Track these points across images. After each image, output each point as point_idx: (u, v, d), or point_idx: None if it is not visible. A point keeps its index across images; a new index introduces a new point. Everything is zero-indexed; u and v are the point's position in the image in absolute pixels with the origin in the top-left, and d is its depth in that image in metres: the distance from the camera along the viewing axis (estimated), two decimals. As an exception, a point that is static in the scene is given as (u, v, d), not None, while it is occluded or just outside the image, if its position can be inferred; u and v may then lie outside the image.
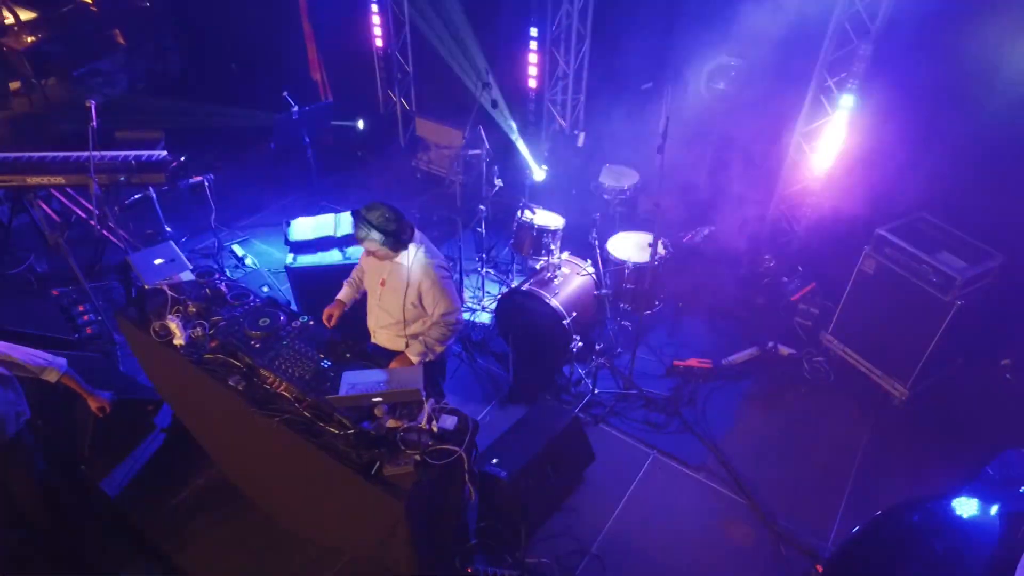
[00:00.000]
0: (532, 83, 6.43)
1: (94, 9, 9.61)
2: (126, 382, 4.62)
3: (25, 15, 9.12)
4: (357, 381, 2.85)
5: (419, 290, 3.23)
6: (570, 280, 4.73)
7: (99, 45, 9.20)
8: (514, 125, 6.00)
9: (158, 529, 3.88)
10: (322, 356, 3.28)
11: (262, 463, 3.52)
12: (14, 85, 9.06)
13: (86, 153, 4.89)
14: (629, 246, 4.89)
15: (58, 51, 8.89)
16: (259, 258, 6.08)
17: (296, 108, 5.83)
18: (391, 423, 2.97)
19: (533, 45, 6.11)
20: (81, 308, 5.34)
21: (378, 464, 2.83)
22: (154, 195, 5.88)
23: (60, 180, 4.85)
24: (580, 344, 4.55)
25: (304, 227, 4.84)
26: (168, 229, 6.24)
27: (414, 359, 3.24)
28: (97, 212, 5.05)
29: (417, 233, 3.30)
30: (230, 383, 3.24)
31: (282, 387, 3.20)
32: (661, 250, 4.70)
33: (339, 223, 4.83)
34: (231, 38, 8.31)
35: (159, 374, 3.91)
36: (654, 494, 4.16)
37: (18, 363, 3.43)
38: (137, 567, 3.83)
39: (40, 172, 4.82)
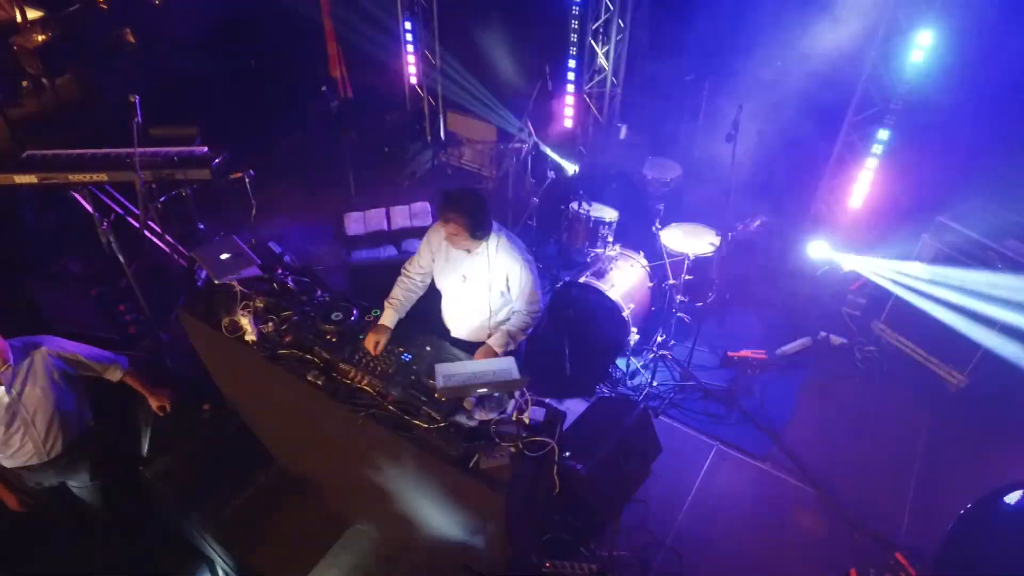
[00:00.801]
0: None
1: (104, 7, 9.48)
2: (175, 382, 4.53)
3: (33, 14, 8.98)
4: (453, 373, 2.79)
5: (507, 277, 3.18)
6: (626, 272, 4.69)
7: (110, 44, 9.06)
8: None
9: (224, 529, 3.80)
10: (402, 350, 3.23)
11: (340, 459, 3.46)
12: (25, 84, 8.91)
13: (127, 150, 4.79)
14: (683, 237, 4.85)
15: (69, 50, 8.75)
16: (298, 254, 5.99)
17: (335, 104, 5.75)
18: (480, 415, 2.93)
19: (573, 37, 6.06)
20: (122, 307, 5.24)
21: (476, 457, 2.78)
22: (190, 192, 5.78)
23: (103, 177, 4.73)
24: (637, 336, 4.52)
25: (356, 222, 4.77)
26: (201, 227, 6.14)
27: (498, 349, 3.19)
28: (139, 211, 4.95)
29: (494, 223, 3.25)
30: (309, 378, 3.18)
31: (364, 381, 3.14)
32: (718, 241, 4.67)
33: (392, 217, 4.78)
34: (244, 37, 8.18)
35: (225, 371, 3.83)
36: (722, 485, 4.13)
37: (84, 362, 3.38)
38: (202, 567, 3.78)
39: (82, 169, 4.72)
